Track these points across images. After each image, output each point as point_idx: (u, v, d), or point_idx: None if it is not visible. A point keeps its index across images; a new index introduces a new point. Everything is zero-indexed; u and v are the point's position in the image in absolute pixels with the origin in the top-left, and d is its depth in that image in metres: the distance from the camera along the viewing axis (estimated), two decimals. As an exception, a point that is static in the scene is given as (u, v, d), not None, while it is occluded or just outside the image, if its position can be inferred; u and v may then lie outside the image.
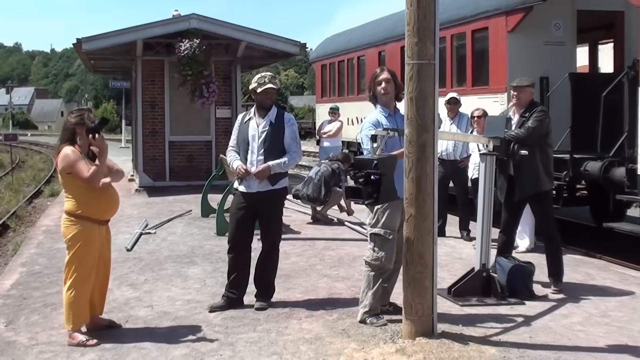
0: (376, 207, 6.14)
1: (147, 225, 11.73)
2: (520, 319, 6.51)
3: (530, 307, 6.92)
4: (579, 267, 8.71)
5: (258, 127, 6.89)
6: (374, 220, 6.21)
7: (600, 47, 15.56)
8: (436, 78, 5.50)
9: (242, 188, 6.94)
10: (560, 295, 7.39)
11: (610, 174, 10.56)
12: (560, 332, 6.15)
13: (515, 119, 7.67)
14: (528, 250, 9.50)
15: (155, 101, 17.03)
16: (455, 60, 14.59)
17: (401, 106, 5.99)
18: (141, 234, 10.99)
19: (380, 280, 6.20)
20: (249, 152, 6.90)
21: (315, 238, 10.68)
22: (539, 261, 7.97)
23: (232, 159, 7.00)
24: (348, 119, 18.59)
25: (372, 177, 5.60)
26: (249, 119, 6.98)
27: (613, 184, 10.59)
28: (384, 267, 6.18)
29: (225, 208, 11.13)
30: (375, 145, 5.80)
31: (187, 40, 15.50)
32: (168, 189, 16.33)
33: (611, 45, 15.75)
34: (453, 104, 10.86)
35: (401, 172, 5.78)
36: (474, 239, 9.92)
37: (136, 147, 18.22)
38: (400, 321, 5.89)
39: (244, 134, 6.96)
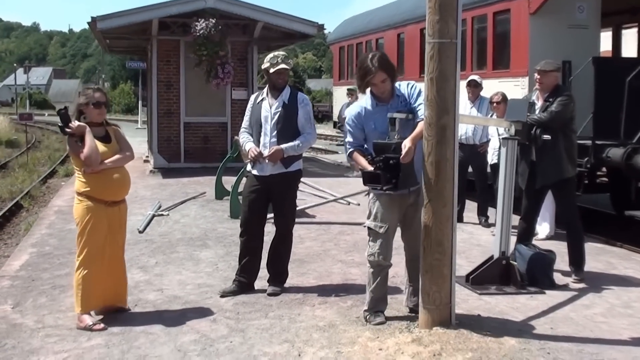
0: (369, 199, 5.87)
1: (160, 207, 11.59)
2: (540, 309, 6.30)
3: (551, 297, 6.71)
4: (599, 256, 8.47)
5: (271, 108, 6.69)
6: (368, 212, 5.89)
7: (623, 31, 15.25)
8: (458, 58, 5.27)
9: (254, 171, 6.75)
10: (582, 285, 7.18)
11: (633, 160, 10.30)
12: (582, 323, 5.94)
13: (539, 103, 7.43)
14: (548, 238, 9.27)
15: (170, 81, 16.86)
16: (475, 43, 14.29)
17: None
18: (154, 216, 10.85)
19: (379, 277, 5.81)
20: (262, 134, 6.70)
21: (331, 222, 10.50)
22: (559, 249, 7.78)
23: (245, 140, 6.81)
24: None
25: (390, 161, 5.38)
26: (262, 100, 6.79)
27: (636, 171, 10.34)
28: (379, 263, 5.76)
29: (239, 190, 10.97)
30: (393, 128, 5.55)
31: (203, 20, 15.30)
32: (183, 171, 16.19)
33: (635, 30, 15.46)
34: (474, 87, 10.60)
35: (421, 156, 5.58)
36: (493, 225, 9.74)
37: (151, 128, 18.08)
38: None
39: (256, 115, 6.76)
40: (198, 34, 15.27)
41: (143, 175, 16.14)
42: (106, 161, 5.86)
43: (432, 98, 5.22)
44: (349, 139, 5.84)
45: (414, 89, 5.70)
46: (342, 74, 22.92)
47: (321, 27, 17.22)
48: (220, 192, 12.51)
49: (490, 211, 9.93)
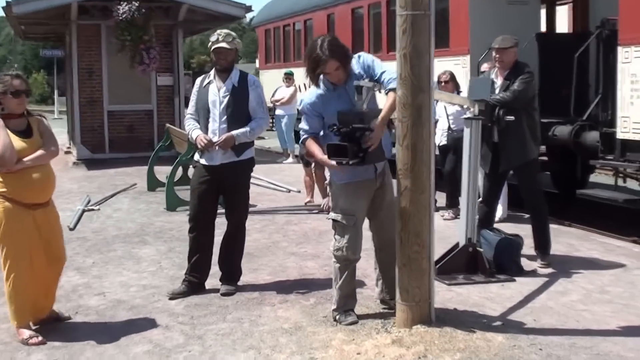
0: (333, 188, 5.37)
1: (89, 202, 10.82)
2: (516, 299, 5.94)
3: (523, 284, 6.36)
4: (558, 238, 8.15)
5: (219, 91, 6.12)
6: (332, 203, 5.38)
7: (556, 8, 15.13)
8: (432, 31, 4.83)
9: (203, 160, 6.17)
10: (549, 270, 6.86)
11: (581, 138, 10.13)
12: (563, 312, 5.60)
13: (498, 82, 7.05)
14: (501, 220, 8.96)
15: (92, 68, 15.99)
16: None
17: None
18: (84, 211, 10.10)
19: (347, 273, 5.30)
20: (210, 120, 6.13)
21: (275, 211, 9.96)
22: (516, 232, 7.42)
23: (191, 128, 6.22)
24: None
25: (357, 133, 4.88)
26: (209, 83, 6.21)
27: (584, 148, 10.17)
28: (347, 258, 5.26)
29: (175, 180, 10.35)
30: (360, 97, 5.03)
31: (125, 3, 14.52)
32: (108, 162, 15.36)
33: (566, 7, 15.40)
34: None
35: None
36: (442, 208, 9.42)
37: (73, 118, 17.15)
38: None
39: (203, 100, 6.18)
40: (120, 17, 14.52)
41: (66, 167, 15.27)
42: (25, 159, 5.08)
43: (406, 76, 4.76)
44: (303, 126, 5.34)
45: (365, 59, 5.21)
46: (268, 58, 22.30)
47: (249, 9, 16.61)
48: (153, 183, 11.82)
49: (439, 196, 9.56)
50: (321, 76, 5.15)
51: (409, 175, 4.81)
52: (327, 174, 6.58)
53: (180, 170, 10.76)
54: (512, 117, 6.79)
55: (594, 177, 12.56)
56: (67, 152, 17.47)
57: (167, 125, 13.08)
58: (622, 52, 8.62)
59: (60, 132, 20.40)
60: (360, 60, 5.19)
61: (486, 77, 7.10)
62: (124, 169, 14.39)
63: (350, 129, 4.82)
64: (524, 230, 7.49)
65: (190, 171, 11.02)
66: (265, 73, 21.97)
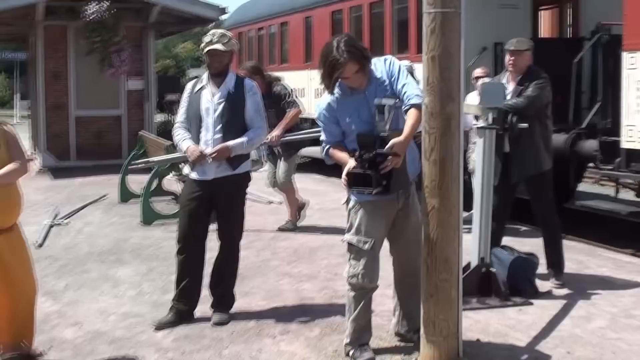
0: (348, 207, 4.77)
1: (57, 215, 10.10)
2: (539, 326, 5.41)
3: (541, 309, 5.84)
4: (565, 253, 7.69)
5: (213, 97, 5.52)
6: (347, 224, 4.78)
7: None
8: (462, 32, 4.28)
9: (194, 175, 5.56)
10: (565, 290, 6.36)
11: (577, 147, 9.69)
12: (595, 342, 5.07)
13: (510, 87, 6.54)
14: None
15: (59, 72, 15.23)
16: (396, 24, 13.42)
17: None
18: (51, 226, 9.39)
19: (363, 302, 4.71)
20: (203, 129, 5.53)
21: (260, 227, 9.32)
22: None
23: (181, 138, 5.60)
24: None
25: (378, 158, 4.32)
26: (201, 89, 5.60)
27: (581, 157, 9.74)
28: (364, 286, 4.67)
29: (150, 190, 9.68)
30: (382, 117, 4.47)
31: (94, 3, 13.81)
32: (74, 170, 14.57)
33: (550, 12, 15.01)
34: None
35: (413, 152, 4.58)
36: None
37: (37, 124, 16.35)
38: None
39: (195, 107, 5.56)
40: (90, 18, 13.81)
41: (29, 175, 14.33)
42: None
43: (434, 81, 4.20)
44: (323, 137, 4.75)
45: (392, 65, 4.63)
46: (241, 62, 21.63)
47: (223, 11, 16.02)
48: (126, 194, 11.10)
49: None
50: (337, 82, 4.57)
51: (437, 194, 4.25)
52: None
53: (157, 182, 10.10)
54: (525, 125, 6.30)
55: (585, 187, 12.16)
56: (29, 160, 16.67)
57: (141, 132, 12.40)
58: (627, 58, 8.17)
59: (23, 138, 19.54)
60: (386, 64, 4.62)
61: (499, 82, 6.58)
62: (92, 178, 13.63)
63: (373, 155, 4.26)
64: (521, 244, 6.99)
65: (169, 183, 10.42)
66: (237, 78, 21.30)
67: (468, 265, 6.15)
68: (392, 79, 4.55)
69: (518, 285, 6.20)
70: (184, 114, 5.64)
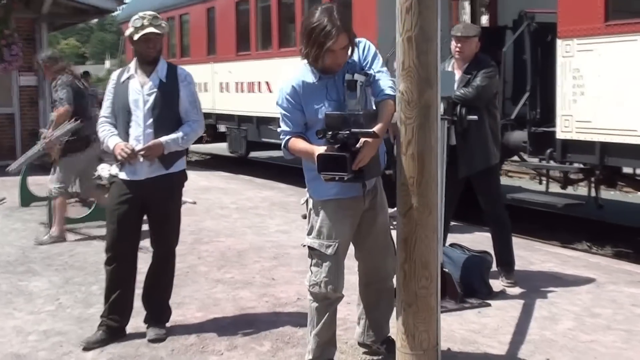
0: (309, 206, 4.25)
1: (-50, 222, 9.16)
2: (505, 329, 5.05)
3: (501, 310, 5.50)
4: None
5: (142, 88, 4.88)
6: (308, 226, 4.26)
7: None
8: (439, 11, 3.84)
9: (123, 175, 4.92)
10: (518, 289, 6.05)
11: (504, 138, 9.49)
12: (571, 346, 4.73)
13: (457, 76, 6.16)
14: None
15: (-57, 67, 14.05)
16: (284, 18, 13.03)
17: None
18: (-55, 235, 8.48)
19: (327, 315, 4.20)
20: (132, 124, 4.87)
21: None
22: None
23: (107, 134, 4.93)
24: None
25: (350, 140, 3.77)
26: (128, 78, 4.94)
27: (509, 150, 9.55)
28: (327, 295, 4.14)
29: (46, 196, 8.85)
30: (353, 94, 3.94)
31: (-19, -8, 12.79)
32: (-37, 173, 13.48)
33: (467, 2, 14.95)
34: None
35: (381, 146, 4.10)
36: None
37: None
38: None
39: (122, 99, 4.90)
40: (-24, 10, 12.75)
41: None
42: None
43: (411, 65, 3.72)
44: (284, 127, 4.14)
45: (368, 50, 4.13)
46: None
47: (121, 1, 15.19)
48: (27, 198, 10.22)
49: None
50: (306, 61, 4.04)
51: (416, 192, 3.78)
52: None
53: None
54: (475, 117, 5.94)
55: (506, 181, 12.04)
56: None
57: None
58: (562, 46, 7.98)
59: None
60: (360, 48, 4.12)
61: (450, 71, 6.18)
62: (-16, 181, 12.60)
63: (348, 134, 3.72)
64: (462, 241, 6.68)
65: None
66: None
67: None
68: (365, 63, 4.06)
69: (473, 285, 5.84)
70: (109, 107, 4.97)
